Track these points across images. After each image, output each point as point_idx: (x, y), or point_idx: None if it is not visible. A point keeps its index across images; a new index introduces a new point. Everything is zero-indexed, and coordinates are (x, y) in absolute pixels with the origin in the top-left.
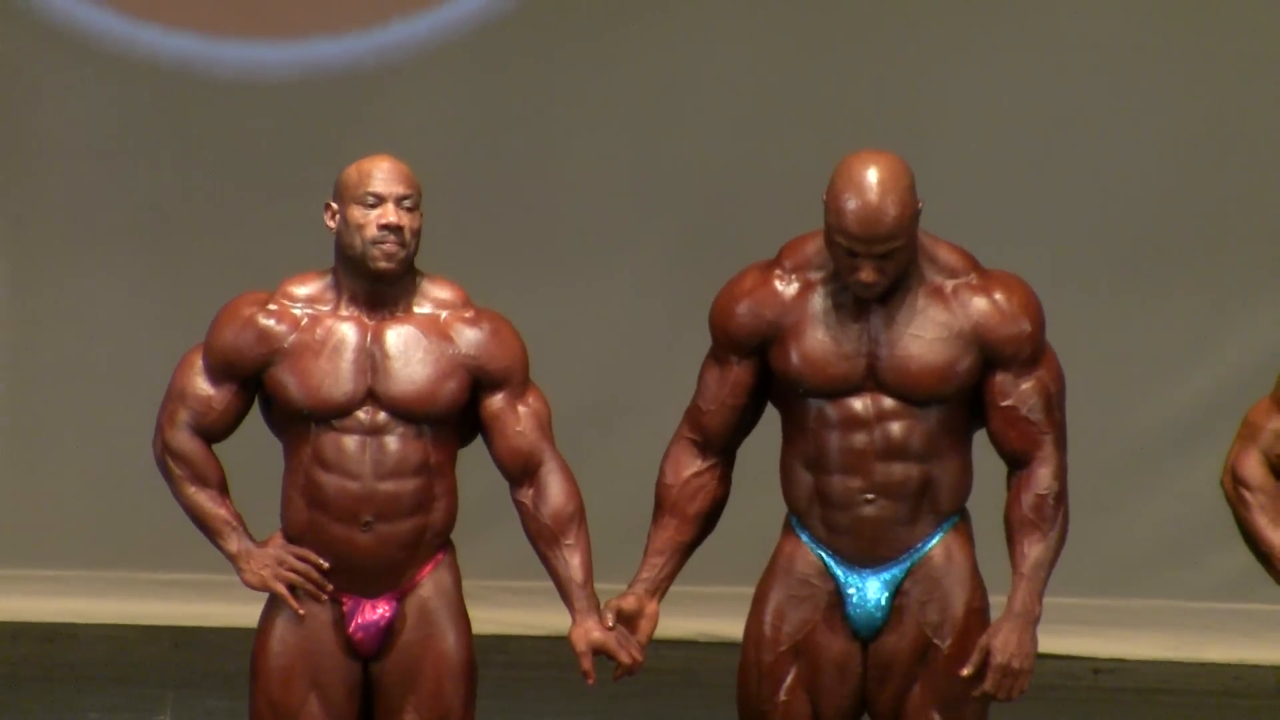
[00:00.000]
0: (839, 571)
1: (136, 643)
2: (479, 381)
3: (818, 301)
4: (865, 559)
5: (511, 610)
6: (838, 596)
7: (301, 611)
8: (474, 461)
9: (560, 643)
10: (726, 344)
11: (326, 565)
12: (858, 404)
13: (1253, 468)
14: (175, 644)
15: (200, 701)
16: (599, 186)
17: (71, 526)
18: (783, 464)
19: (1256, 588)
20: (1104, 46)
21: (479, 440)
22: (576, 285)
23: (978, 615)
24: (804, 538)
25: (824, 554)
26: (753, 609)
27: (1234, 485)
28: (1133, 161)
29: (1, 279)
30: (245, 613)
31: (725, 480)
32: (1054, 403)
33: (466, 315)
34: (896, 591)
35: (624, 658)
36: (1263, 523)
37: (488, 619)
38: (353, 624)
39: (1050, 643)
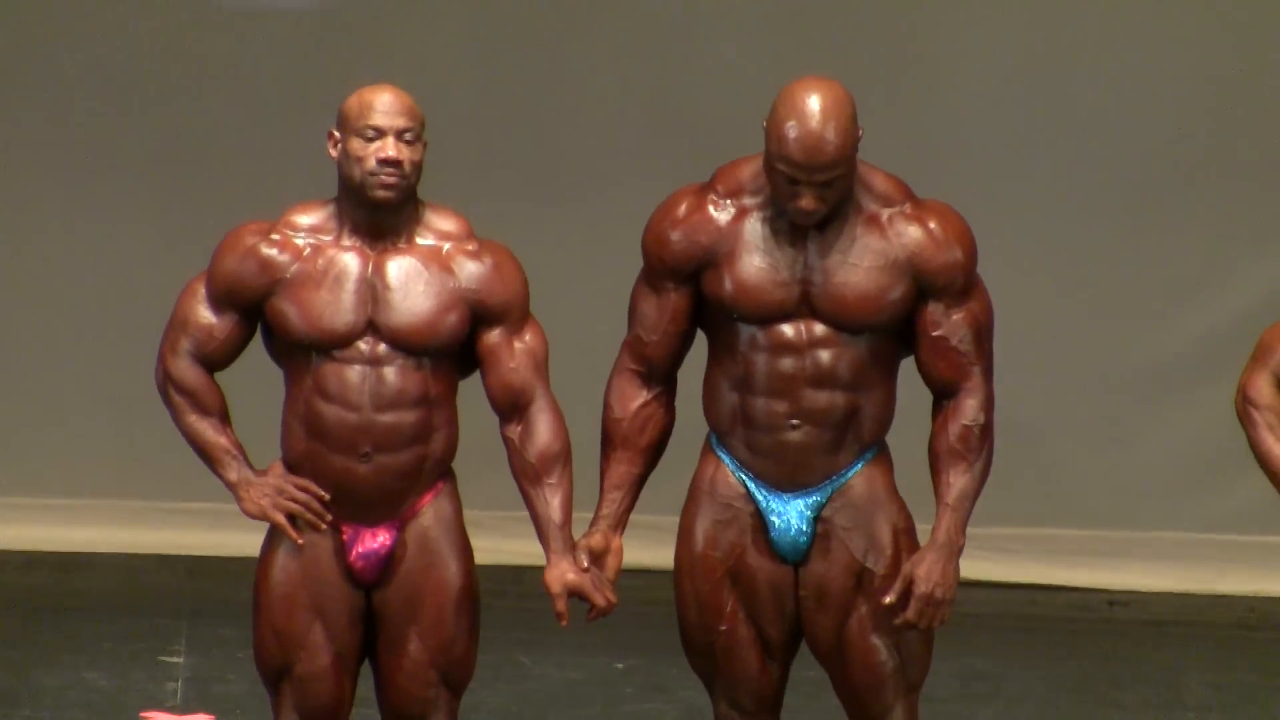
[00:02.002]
0: (760, 495)
1: (150, 571)
2: (478, 315)
3: (753, 227)
4: (786, 484)
5: (527, 541)
6: (760, 520)
7: (300, 541)
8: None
9: None
10: (662, 271)
11: (326, 496)
12: (789, 330)
13: (1262, 387)
14: (189, 573)
15: (214, 630)
16: (607, 114)
17: (85, 456)
18: (706, 383)
19: (1272, 519)
20: None
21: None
22: (584, 213)
23: (906, 535)
24: (725, 458)
25: (745, 477)
26: (680, 538)
27: (1244, 404)
28: (1145, 92)
29: (8, 205)
30: (259, 542)
31: (670, 408)
32: (984, 334)
33: (469, 248)
34: (818, 517)
35: (598, 600)
36: (1271, 440)
37: (503, 549)
38: (353, 552)
39: (1065, 575)
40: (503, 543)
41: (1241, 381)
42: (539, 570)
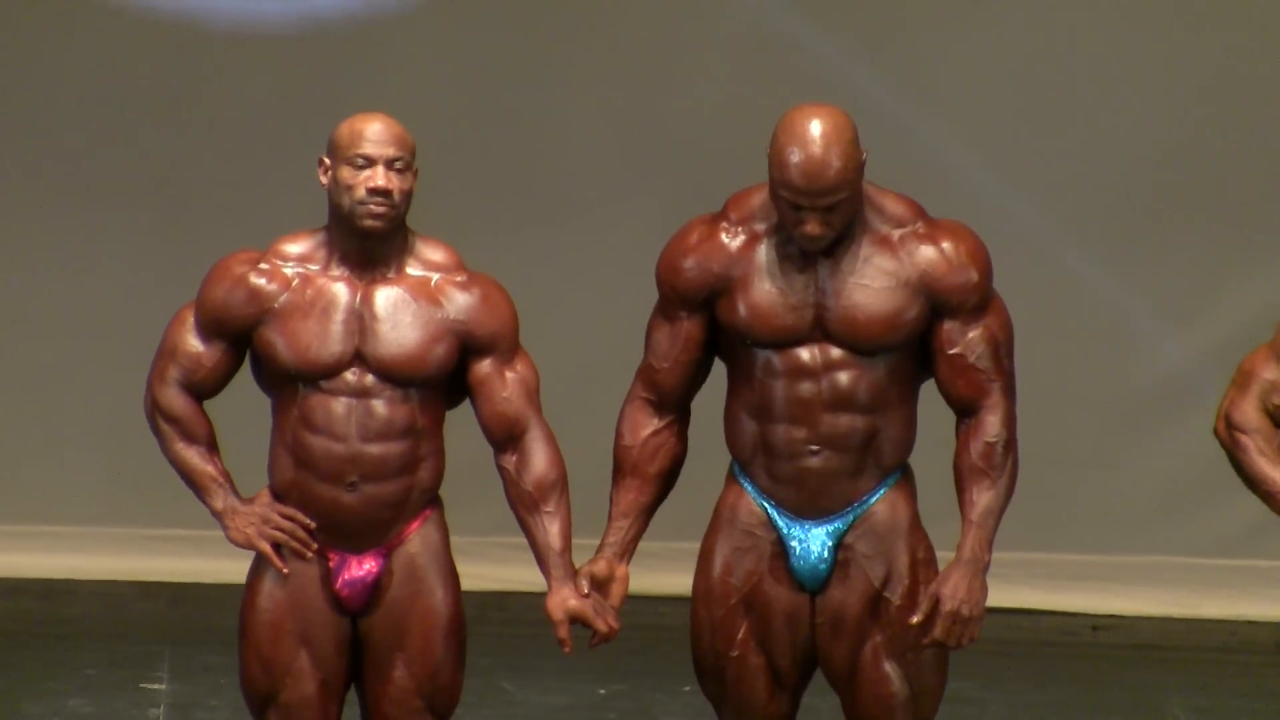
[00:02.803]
0: (781, 523)
1: (133, 599)
2: (467, 346)
3: (764, 253)
4: (808, 510)
5: (510, 566)
6: (781, 547)
7: (286, 570)
8: (473, 417)
9: None
10: (675, 299)
11: (313, 525)
12: (805, 354)
13: (1248, 412)
14: (172, 600)
15: (198, 657)
16: (593, 143)
17: (69, 482)
18: (727, 413)
19: (1254, 544)
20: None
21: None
22: (567, 242)
23: (925, 566)
24: (747, 487)
25: (767, 505)
26: (700, 563)
27: (1229, 431)
28: (1132, 118)
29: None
30: (242, 569)
31: (683, 437)
32: (1002, 350)
33: (458, 279)
34: (839, 545)
35: (600, 625)
36: (1262, 463)
37: (486, 575)
38: (339, 580)
39: (1049, 599)
40: (487, 568)
41: (1224, 408)
42: (523, 596)
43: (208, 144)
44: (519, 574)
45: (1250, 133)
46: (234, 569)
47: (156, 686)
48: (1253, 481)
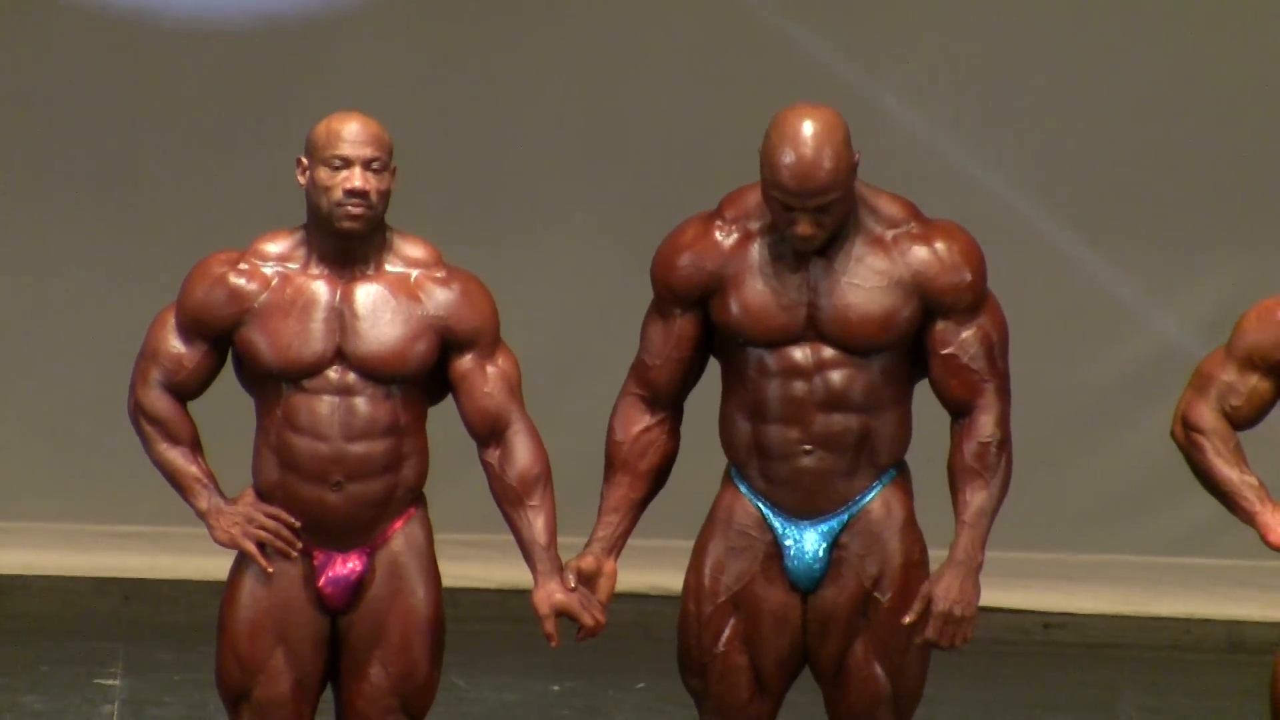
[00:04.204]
0: (777, 523)
1: (87, 595)
2: (448, 342)
3: (758, 252)
4: (803, 511)
5: (463, 564)
6: (776, 548)
7: (270, 569)
8: (439, 418)
9: (512, 596)
10: (669, 297)
11: (297, 524)
12: (798, 353)
13: (1204, 413)
14: (125, 597)
15: (151, 654)
16: (550, 139)
17: (21, 478)
18: (722, 414)
19: (1206, 542)
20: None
21: (447, 396)
22: (528, 238)
23: (917, 568)
24: (743, 488)
25: (762, 505)
26: (692, 561)
27: (1185, 431)
28: (1089, 117)
29: None
30: (196, 565)
31: (674, 434)
32: (996, 351)
33: (437, 275)
34: (835, 544)
35: (587, 620)
36: (1219, 463)
37: (442, 572)
38: (323, 578)
39: (1001, 597)
40: (441, 565)
41: (1180, 410)
42: (476, 592)
43: (163, 140)
44: (472, 571)
45: (1211, 131)
46: (188, 565)
47: (110, 683)
48: (1210, 482)
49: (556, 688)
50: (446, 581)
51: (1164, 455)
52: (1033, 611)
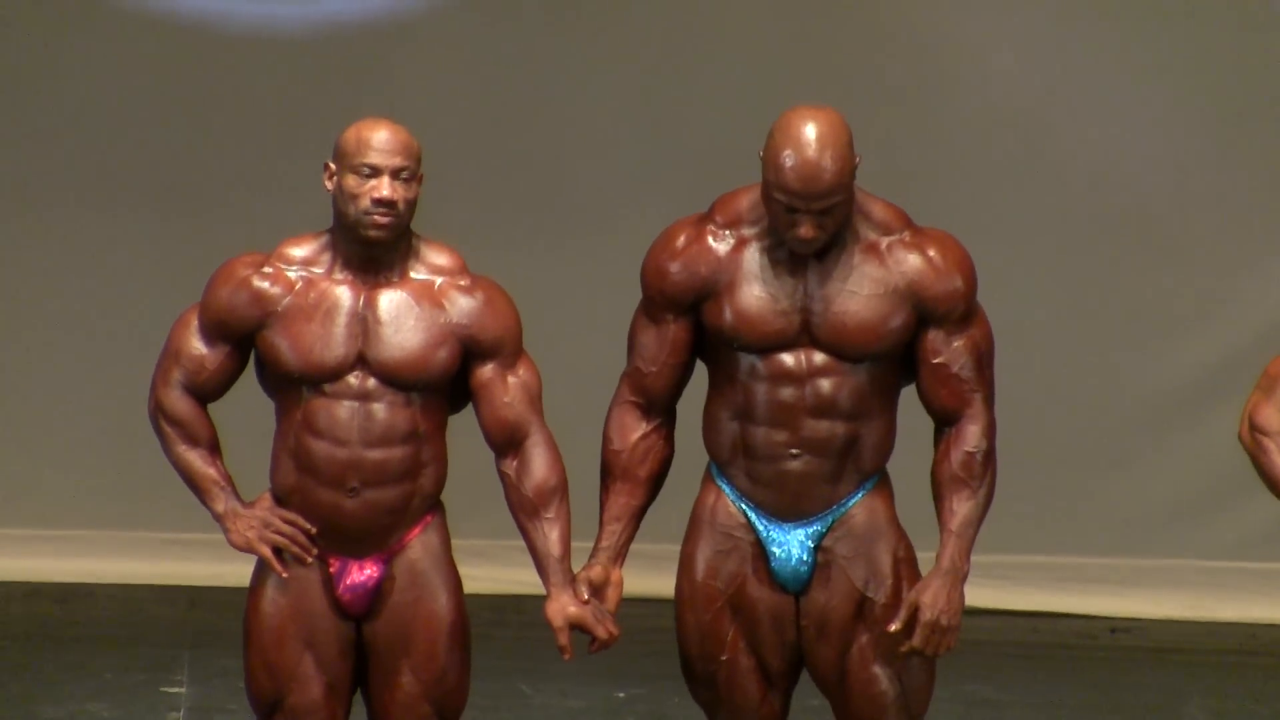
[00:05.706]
0: (760, 525)
1: (152, 602)
2: (470, 350)
3: (752, 257)
4: (787, 513)
5: (528, 569)
6: (761, 549)
7: (285, 574)
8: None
9: None
10: (661, 303)
11: (313, 529)
12: (790, 359)
13: (1271, 415)
14: (190, 604)
15: (216, 660)
16: (605, 148)
17: (86, 487)
18: (707, 413)
19: (1272, 547)
20: (1114, 7)
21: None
22: (580, 248)
23: (906, 564)
24: (725, 488)
25: (745, 506)
26: (681, 568)
27: (1252, 434)
28: (1149, 120)
29: (14, 234)
30: None
31: (670, 439)
32: (984, 361)
33: (461, 283)
34: (819, 547)
35: (600, 632)
36: None
37: (502, 578)
38: (341, 585)
39: (1068, 602)
40: (504, 571)
41: (1248, 410)
42: (540, 599)
43: (223, 147)
44: (536, 577)
45: (1265, 134)
46: (251, 573)
47: (176, 690)
48: (1275, 484)
49: (621, 694)
50: (509, 588)
51: (1229, 459)
52: (1099, 616)
